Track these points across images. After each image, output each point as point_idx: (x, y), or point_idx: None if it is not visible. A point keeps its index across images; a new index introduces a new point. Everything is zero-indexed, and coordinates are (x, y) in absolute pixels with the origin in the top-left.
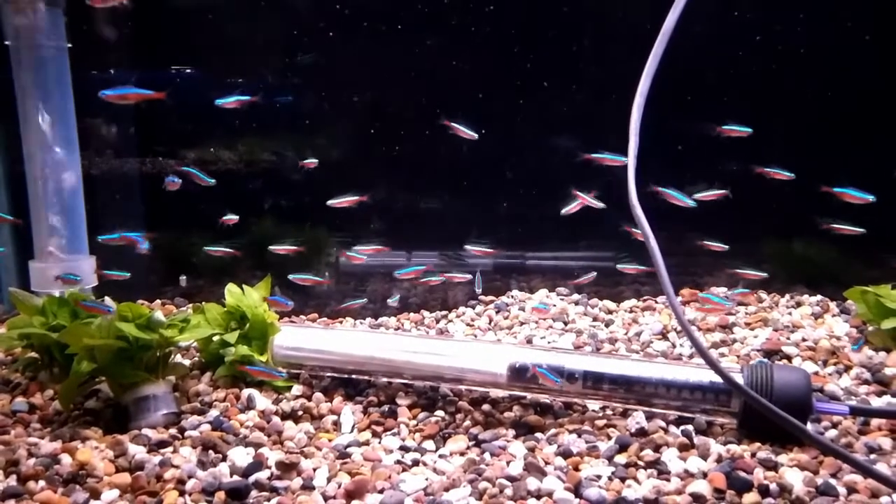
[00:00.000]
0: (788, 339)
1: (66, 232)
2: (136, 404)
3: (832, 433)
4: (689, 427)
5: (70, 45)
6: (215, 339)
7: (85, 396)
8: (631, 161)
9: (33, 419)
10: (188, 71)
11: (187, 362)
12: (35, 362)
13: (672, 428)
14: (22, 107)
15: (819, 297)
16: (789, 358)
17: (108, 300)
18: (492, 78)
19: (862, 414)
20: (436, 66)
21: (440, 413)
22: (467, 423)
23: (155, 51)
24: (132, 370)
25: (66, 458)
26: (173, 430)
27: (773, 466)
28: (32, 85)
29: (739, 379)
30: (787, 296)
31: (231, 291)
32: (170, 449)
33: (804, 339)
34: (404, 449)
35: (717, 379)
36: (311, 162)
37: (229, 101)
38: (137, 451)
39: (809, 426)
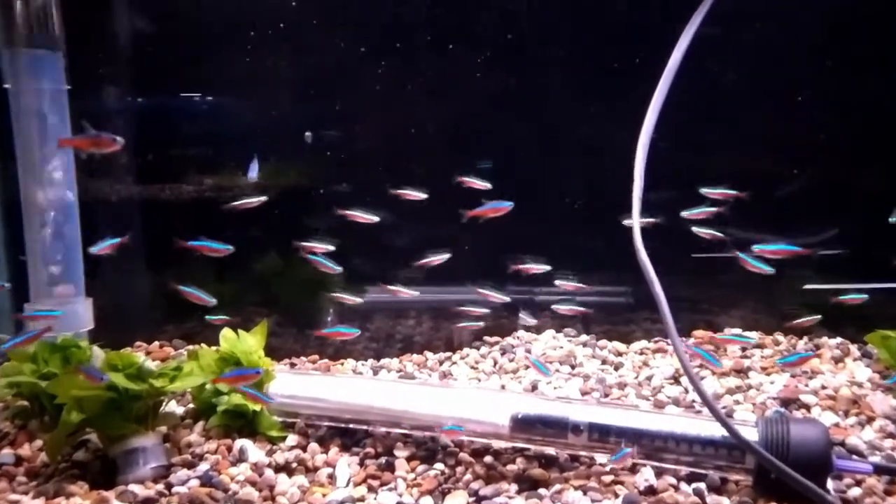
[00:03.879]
0: (807, 386)
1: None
2: (124, 457)
3: (855, 492)
4: (702, 485)
5: (69, 87)
6: (208, 387)
7: (74, 447)
8: (636, 202)
9: (19, 472)
10: (194, 98)
11: (181, 409)
12: (25, 410)
13: (683, 485)
14: (20, 149)
15: (839, 339)
16: (808, 407)
17: (96, 349)
18: (500, 107)
19: (887, 472)
20: (448, 95)
21: (440, 466)
22: (468, 476)
23: (160, 78)
24: (121, 421)
25: None
26: (161, 486)
27: None
28: (30, 127)
29: (753, 434)
30: (806, 338)
31: (226, 337)
32: None
33: (823, 387)
34: None
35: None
36: (408, 193)
37: None
38: None
39: (830, 484)
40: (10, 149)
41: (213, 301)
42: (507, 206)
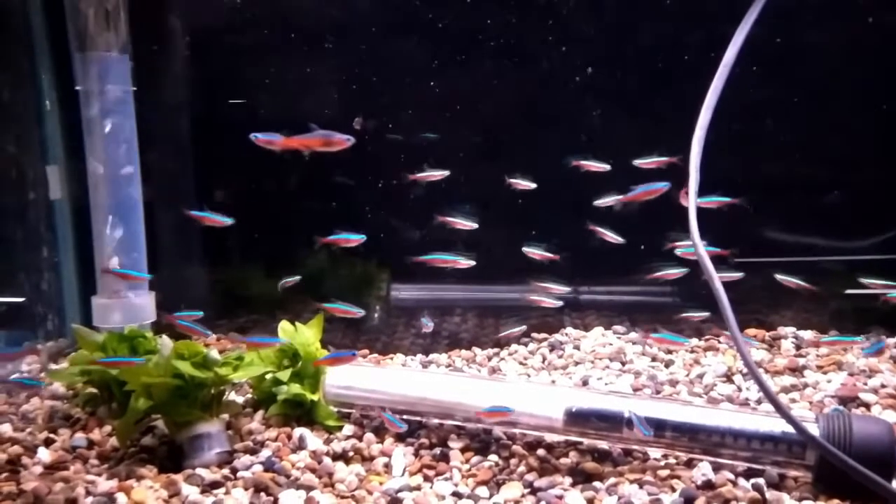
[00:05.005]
0: (866, 384)
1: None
2: (190, 443)
3: None
4: (760, 480)
5: (135, 89)
6: (268, 377)
7: (141, 433)
8: (692, 198)
9: (91, 455)
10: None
11: (240, 399)
12: (95, 398)
13: (741, 481)
14: (89, 147)
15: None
16: (867, 406)
17: (165, 338)
18: (544, 105)
19: None
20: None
21: (493, 457)
22: (522, 468)
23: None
24: (187, 408)
25: (121, 498)
26: (226, 471)
27: None
28: (99, 126)
29: (814, 430)
30: (862, 337)
31: (284, 329)
32: (222, 490)
33: (883, 386)
34: (457, 495)
35: (790, 429)
36: (520, 183)
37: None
38: (191, 492)
39: (895, 483)
40: (81, 147)
41: (360, 312)
42: (662, 187)
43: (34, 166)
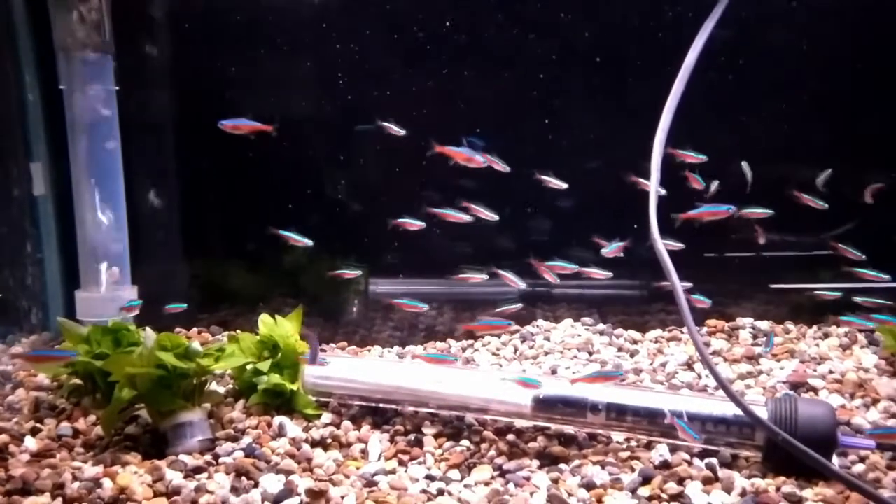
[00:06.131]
0: (815, 371)
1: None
2: (173, 431)
3: (859, 468)
4: (714, 460)
5: (117, 88)
6: (249, 367)
7: (125, 422)
8: (653, 196)
9: (77, 443)
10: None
11: (222, 389)
12: (79, 388)
13: (696, 461)
14: (72, 144)
15: (847, 328)
16: (816, 391)
17: (148, 330)
18: (523, 99)
19: (889, 449)
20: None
21: (465, 442)
22: (492, 452)
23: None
24: (170, 398)
25: (107, 483)
26: (208, 457)
27: (797, 501)
28: (83, 124)
29: (763, 413)
30: (815, 327)
31: (264, 321)
32: (205, 475)
33: (831, 372)
34: (430, 478)
35: (741, 412)
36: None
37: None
38: (174, 477)
39: (836, 460)
40: (64, 145)
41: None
42: (726, 209)
43: (18, 163)
